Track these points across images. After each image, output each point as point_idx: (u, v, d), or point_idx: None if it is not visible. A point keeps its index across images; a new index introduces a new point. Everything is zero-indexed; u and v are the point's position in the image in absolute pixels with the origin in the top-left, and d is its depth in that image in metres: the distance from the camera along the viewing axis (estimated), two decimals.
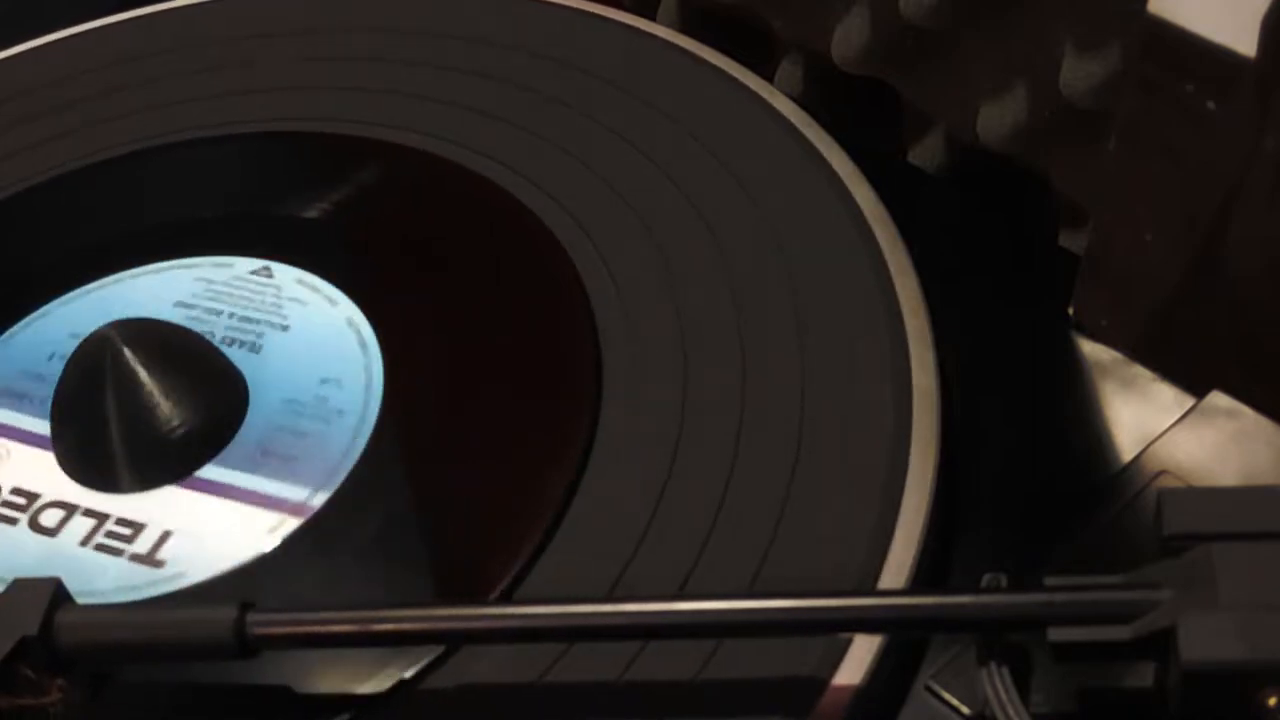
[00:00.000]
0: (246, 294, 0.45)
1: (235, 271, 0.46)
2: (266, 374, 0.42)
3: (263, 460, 0.40)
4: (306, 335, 0.43)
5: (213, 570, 0.38)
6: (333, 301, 0.44)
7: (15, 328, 0.45)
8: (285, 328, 0.44)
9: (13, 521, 0.40)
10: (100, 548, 0.39)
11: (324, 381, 0.42)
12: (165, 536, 0.39)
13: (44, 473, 0.41)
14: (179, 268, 0.46)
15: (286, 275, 0.45)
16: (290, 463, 0.40)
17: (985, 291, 0.44)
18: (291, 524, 0.39)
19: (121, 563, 0.39)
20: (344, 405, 0.41)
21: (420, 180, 0.47)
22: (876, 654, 0.34)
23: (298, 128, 0.50)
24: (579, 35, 0.51)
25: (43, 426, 0.42)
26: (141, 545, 0.39)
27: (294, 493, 0.39)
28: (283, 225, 0.47)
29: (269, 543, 0.38)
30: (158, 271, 0.46)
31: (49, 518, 0.40)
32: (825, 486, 0.37)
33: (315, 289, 0.45)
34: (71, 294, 0.46)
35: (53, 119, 0.52)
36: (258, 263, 0.46)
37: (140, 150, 0.50)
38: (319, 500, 0.39)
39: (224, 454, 0.41)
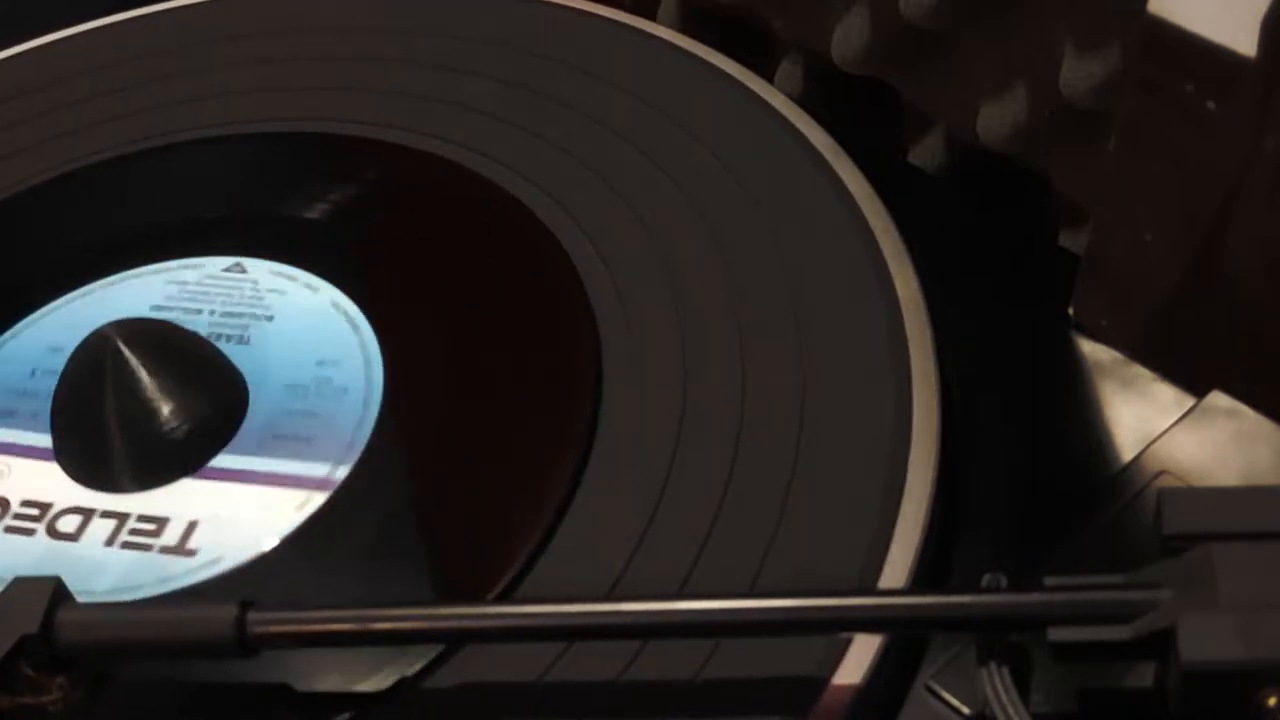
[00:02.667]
0: (223, 291, 0.45)
1: (207, 271, 0.46)
2: (262, 364, 0.43)
3: (276, 443, 0.41)
4: (293, 322, 0.44)
5: (249, 552, 0.38)
6: (312, 288, 0.44)
7: (9, 333, 0.45)
8: (270, 318, 0.44)
9: (29, 533, 0.40)
10: (127, 545, 0.39)
11: (321, 363, 0.42)
12: (192, 526, 0.39)
13: (50, 483, 0.41)
14: (149, 273, 0.46)
15: (260, 268, 0.45)
16: (304, 442, 0.40)
17: (985, 291, 0.44)
18: (319, 499, 0.39)
19: (153, 557, 0.39)
20: (346, 383, 0.41)
21: (420, 180, 0.47)
22: (876, 654, 0.34)
23: (298, 128, 0.50)
24: (579, 35, 0.51)
25: (38, 439, 0.42)
26: (169, 538, 0.39)
27: (315, 469, 0.40)
28: (284, 225, 0.47)
29: (298, 519, 0.39)
30: (135, 278, 0.46)
31: (67, 524, 0.40)
32: (825, 486, 0.37)
33: (292, 278, 0.45)
34: (43, 309, 0.46)
35: (52, 118, 0.52)
36: (228, 260, 0.46)
37: (128, 154, 0.50)
38: (341, 473, 0.40)
39: (234, 443, 0.41)
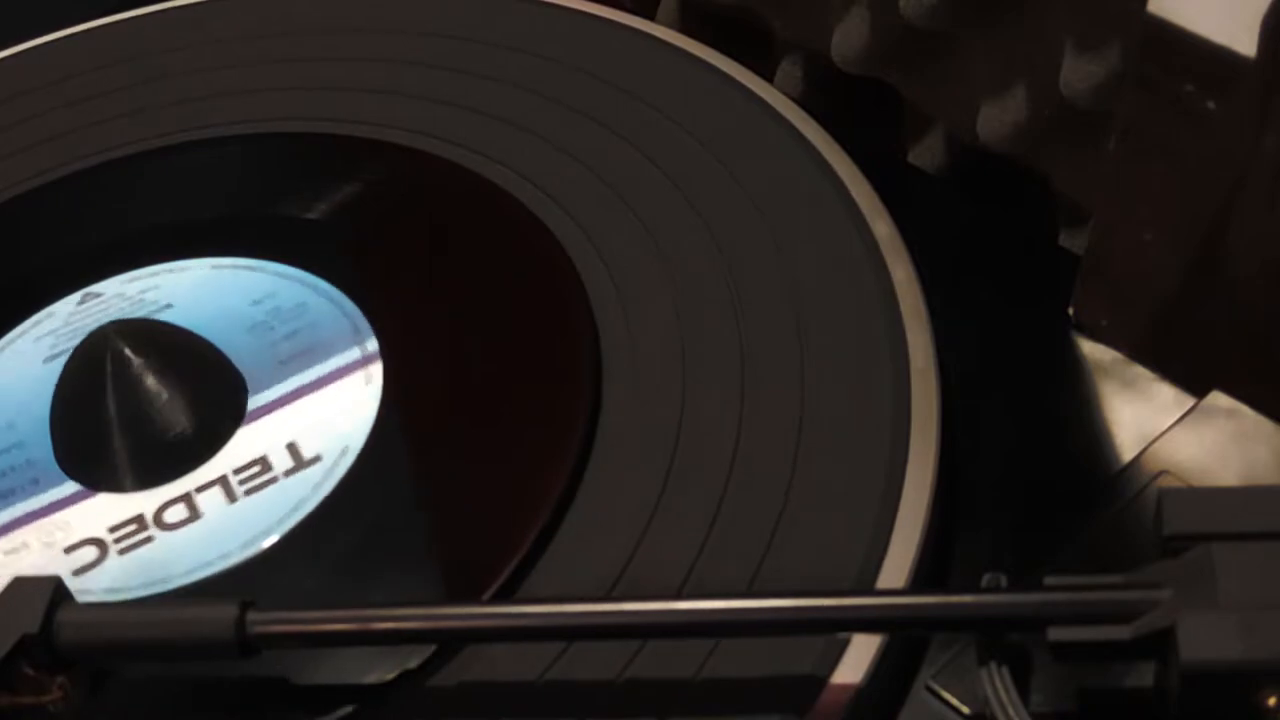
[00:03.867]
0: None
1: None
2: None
3: (292, 364, 0.42)
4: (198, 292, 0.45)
5: (363, 431, 0.40)
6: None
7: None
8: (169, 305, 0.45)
9: (147, 540, 0.39)
10: (253, 490, 0.40)
11: (256, 302, 0.44)
12: (293, 445, 0.40)
13: (112, 507, 0.40)
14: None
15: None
16: (315, 349, 0.42)
17: (985, 291, 0.44)
18: (377, 368, 0.42)
19: (284, 485, 0.39)
20: (301, 300, 0.44)
21: (420, 180, 0.47)
22: (876, 654, 0.34)
23: (298, 128, 0.50)
24: (579, 35, 0.51)
25: (61, 490, 0.41)
26: (282, 465, 0.40)
27: (349, 355, 0.42)
28: (283, 226, 0.47)
29: (376, 391, 0.41)
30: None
31: (173, 514, 0.40)
32: (825, 486, 0.37)
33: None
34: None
35: (52, 118, 0.52)
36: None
37: (128, 154, 0.50)
38: (372, 345, 0.42)
39: (255, 383, 0.42)
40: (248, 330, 0.43)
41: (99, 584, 0.38)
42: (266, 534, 0.38)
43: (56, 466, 0.41)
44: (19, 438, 0.42)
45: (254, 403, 0.42)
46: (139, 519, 0.40)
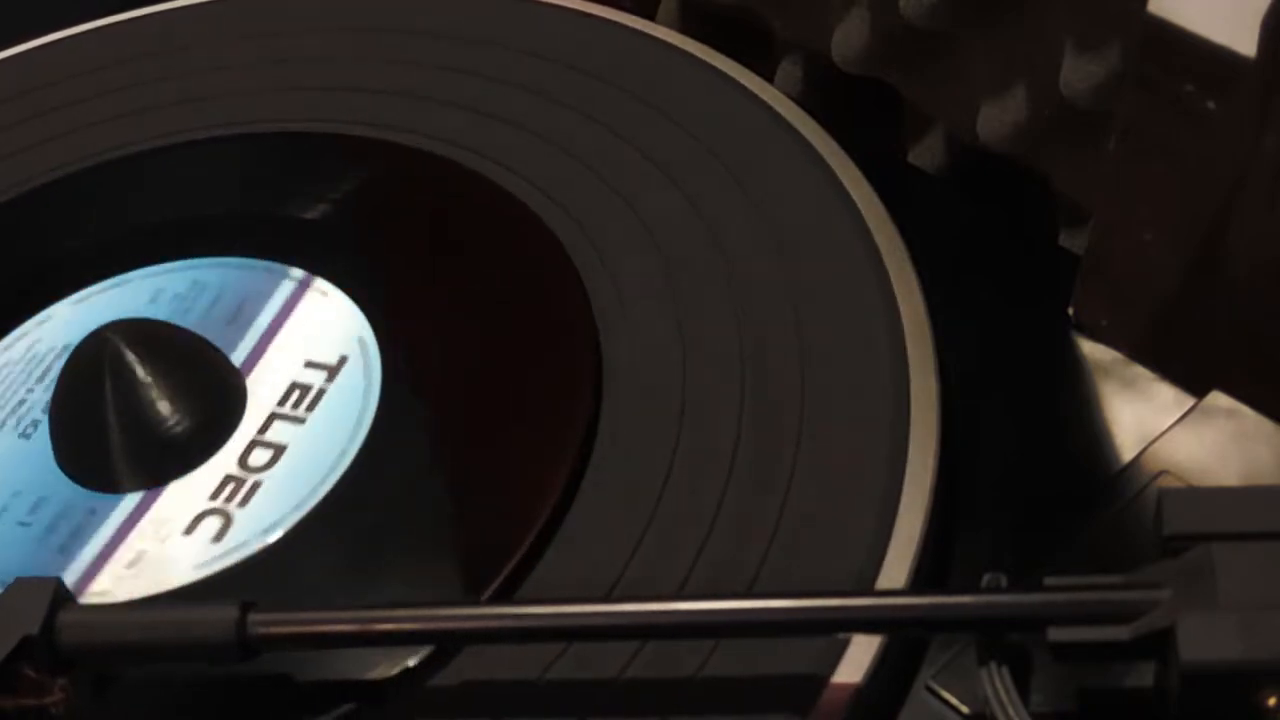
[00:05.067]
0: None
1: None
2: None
3: (239, 322, 0.44)
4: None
5: (368, 336, 0.42)
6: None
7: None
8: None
9: (255, 486, 0.40)
10: (311, 406, 0.41)
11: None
12: (310, 361, 0.42)
13: (187, 494, 0.40)
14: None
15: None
16: (246, 301, 0.44)
17: (985, 291, 0.44)
18: (326, 287, 0.44)
19: (336, 388, 0.42)
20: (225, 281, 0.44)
21: (420, 180, 0.47)
22: (876, 654, 0.34)
23: (298, 128, 0.50)
24: (579, 35, 0.51)
25: (117, 514, 0.40)
26: (316, 378, 0.42)
27: (284, 290, 0.44)
28: (283, 226, 0.47)
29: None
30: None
31: (257, 458, 0.41)
32: (825, 486, 0.37)
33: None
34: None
35: (52, 119, 0.52)
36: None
37: (127, 154, 0.50)
38: (298, 273, 0.43)
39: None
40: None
41: (254, 529, 0.39)
42: (363, 415, 0.41)
43: (103, 492, 0.41)
44: (37, 496, 0.41)
45: (236, 360, 0.43)
46: (229, 477, 0.40)
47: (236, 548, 0.39)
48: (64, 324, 0.45)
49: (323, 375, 0.42)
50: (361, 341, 0.43)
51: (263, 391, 0.42)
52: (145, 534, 0.39)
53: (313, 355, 0.43)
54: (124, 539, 0.39)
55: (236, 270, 0.46)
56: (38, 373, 0.44)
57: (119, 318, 0.43)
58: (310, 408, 0.41)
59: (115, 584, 0.38)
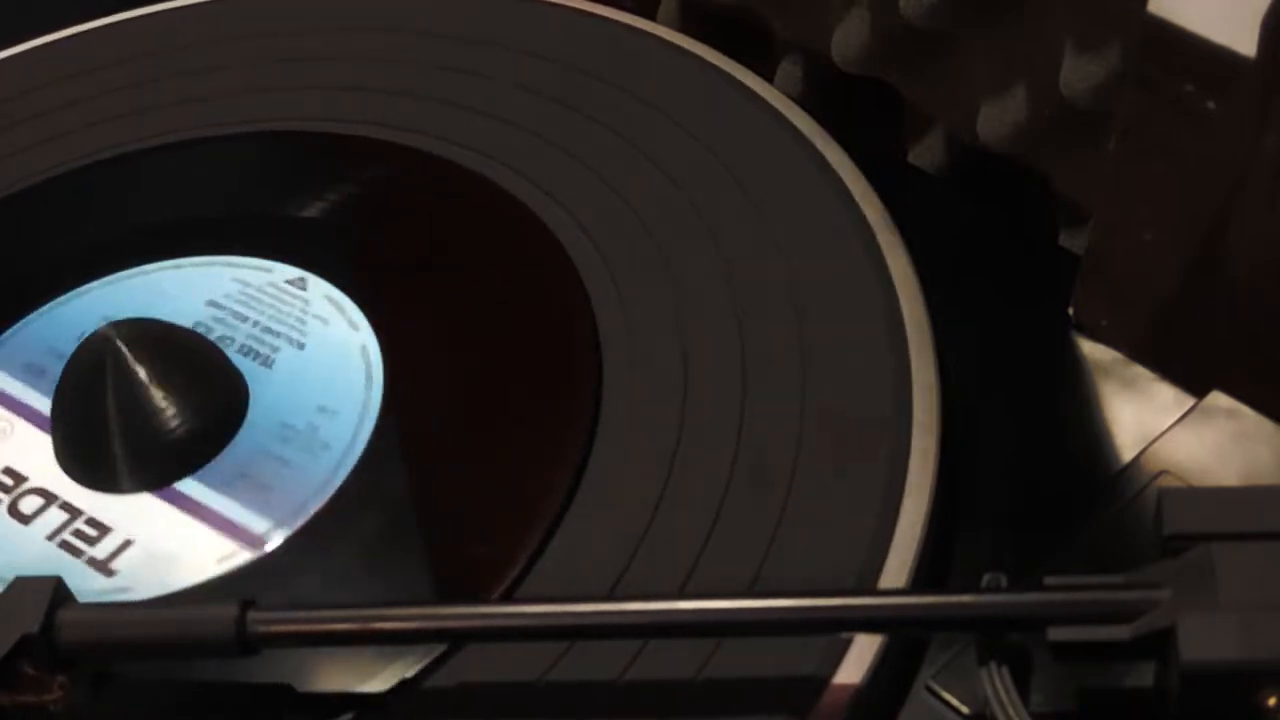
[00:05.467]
0: (276, 304, 0.45)
1: (272, 278, 0.46)
2: (270, 391, 0.42)
3: (240, 483, 0.40)
4: (319, 358, 0.43)
5: (155, 590, 0.38)
6: (354, 326, 0.44)
7: (52, 303, 0.46)
8: (302, 345, 0.44)
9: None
10: (64, 545, 0.39)
11: (321, 410, 0.42)
12: (125, 545, 0.39)
13: (39, 456, 0.41)
14: (221, 264, 0.46)
15: (317, 290, 0.45)
16: (264, 491, 0.40)
17: (985, 291, 0.44)
18: (242, 556, 0.38)
19: (79, 564, 0.39)
20: (331, 439, 0.41)
21: (420, 180, 0.47)
22: (876, 654, 0.34)
23: (298, 128, 0.50)
24: (579, 35, 0.51)
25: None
26: (101, 550, 0.39)
27: (255, 524, 0.39)
28: (283, 226, 0.47)
29: (214, 571, 0.38)
30: (200, 266, 0.46)
31: (28, 504, 0.40)
32: (826, 486, 0.37)
33: (341, 308, 0.44)
34: (111, 277, 0.46)
35: (52, 119, 0.52)
36: (295, 272, 0.46)
37: (127, 154, 0.50)
38: (276, 539, 0.39)
39: (207, 468, 0.41)
40: (279, 425, 0.42)
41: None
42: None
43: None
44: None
45: (186, 484, 0.41)
46: (19, 479, 0.41)
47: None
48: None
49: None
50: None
51: (132, 510, 0.41)
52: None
53: (157, 558, 0.40)
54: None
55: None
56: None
57: (117, 317, 0.43)
58: (73, 552, 0.40)
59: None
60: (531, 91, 0.49)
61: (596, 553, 0.37)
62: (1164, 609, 0.30)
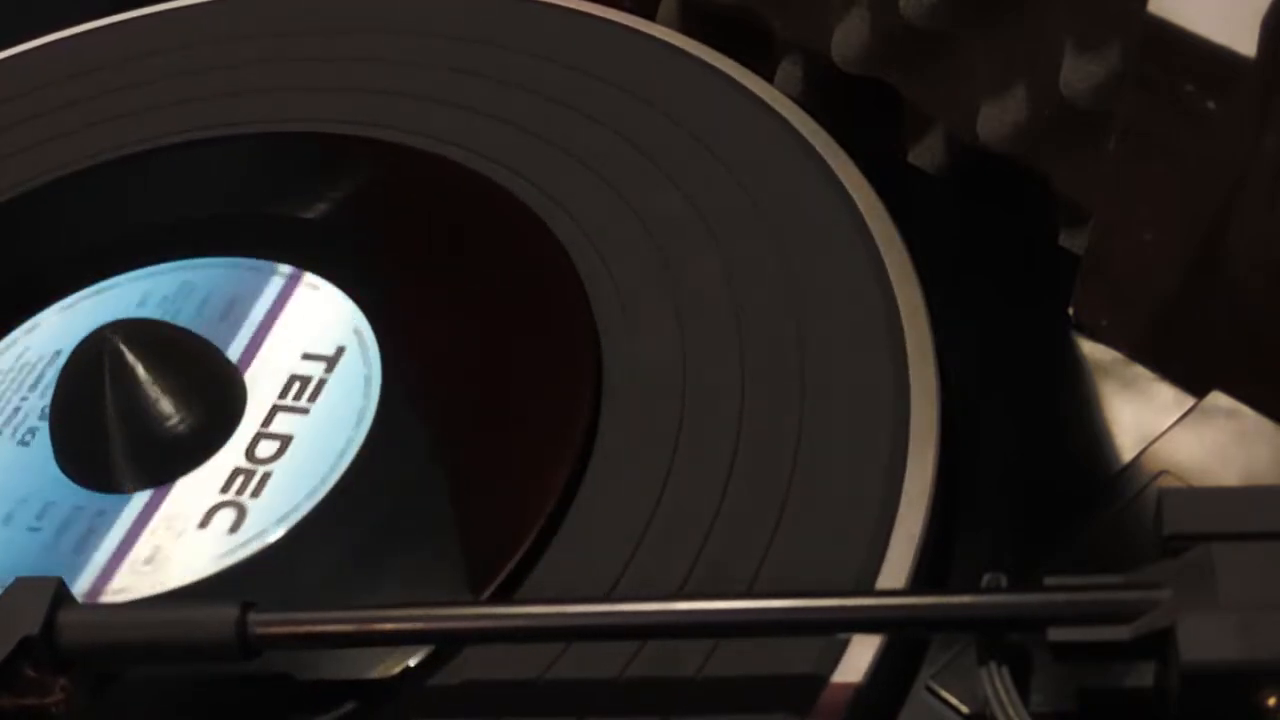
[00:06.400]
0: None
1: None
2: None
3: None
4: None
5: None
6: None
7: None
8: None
9: (265, 476, 0.40)
10: (313, 397, 0.41)
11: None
12: (306, 354, 0.42)
13: (196, 489, 0.40)
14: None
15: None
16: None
17: (985, 291, 0.44)
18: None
19: (336, 378, 0.41)
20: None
21: (420, 180, 0.47)
22: (876, 654, 0.34)
23: (298, 128, 0.50)
24: (579, 35, 0.51)
25: (128, 512, 0.40)
26: (315, 369, 0.42)
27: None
28: (283, 226, 0.47)
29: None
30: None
31: (265, 449, 0.41)
32: (825, 486, 0.37)
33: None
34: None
35: (52, 119, 0.52)
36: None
37: (128, 154, 0.50)
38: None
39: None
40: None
41: (270, 518, 0.39)
42: (362, 416, 0.41)
43: (109, 493, 0.41)
44: (43, 501, 0.41)
45: (232, 356, 0.43)
46: (238, 470, 0.40)
47: (255, 537, 0.39)
48: (52, 331, 0.45)
49: (321, 366, 0.42)
50: (358, 332, 0.43)
51: (262, 385, 0.42)
52: (159, 531, 0.39)
53: (309, 347, 0.43)
54: (138, 537, 0.39)
55: (226, 270, 0.46)
56: (30, 380, 0.44)
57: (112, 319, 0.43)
58: (312, 398, 0.42)
59: (134, 581, 0.38)
60: (531, 91, 0.49)
61: (596, 553, 0.37)
62: (1164, 609, 0.30)
